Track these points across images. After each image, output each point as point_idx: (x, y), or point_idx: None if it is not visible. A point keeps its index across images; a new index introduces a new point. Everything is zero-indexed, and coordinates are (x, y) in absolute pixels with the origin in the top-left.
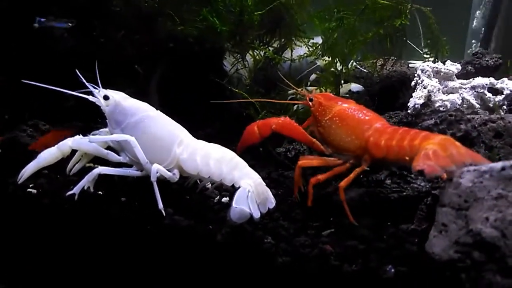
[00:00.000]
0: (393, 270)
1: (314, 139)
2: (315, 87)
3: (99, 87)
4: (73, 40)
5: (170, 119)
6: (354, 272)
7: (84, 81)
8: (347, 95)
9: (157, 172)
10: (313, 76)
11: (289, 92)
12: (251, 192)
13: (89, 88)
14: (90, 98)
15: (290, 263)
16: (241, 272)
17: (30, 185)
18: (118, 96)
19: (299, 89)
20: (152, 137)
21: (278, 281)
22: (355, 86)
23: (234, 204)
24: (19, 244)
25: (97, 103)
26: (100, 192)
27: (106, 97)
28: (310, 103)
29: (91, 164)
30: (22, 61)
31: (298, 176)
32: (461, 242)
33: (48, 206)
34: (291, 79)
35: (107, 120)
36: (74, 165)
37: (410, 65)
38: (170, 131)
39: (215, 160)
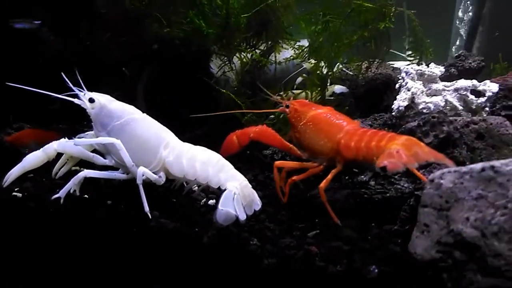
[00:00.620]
0: (376, 270)
1: (291, 145)
2: (300, 91)
3: (84, 89)
4: (59, 42)
5: (156, 121)
6: (339, 273)
7: (70, 84)
8: (332, 97)
9: (143, 175)
10: (299, 79)
11: (275, 97)
12: (237, 194)
13: (74, 91)
14: (76, 101)
15: (276, 264)
16: (227, 274)
17: (15, 189)
18: (103, 99)
19: (277, 96)
20: (138, 139)
21: (264, 283)
22: (338, 88)
23: (220, 206)
24: (5, 248)
25: (82, 105)
26: (86, 196)
27: (91, 100)
28: (287, 110)
29: (77, 168)
30: (8, 64)
31: (276, 176)
32: (443, 242)
33: (33, 209)
34: (277, 82)
35: (92, 123)
36: (60, 168)
37: (391, 66)
38: (156, 133)
39: (201, 163)
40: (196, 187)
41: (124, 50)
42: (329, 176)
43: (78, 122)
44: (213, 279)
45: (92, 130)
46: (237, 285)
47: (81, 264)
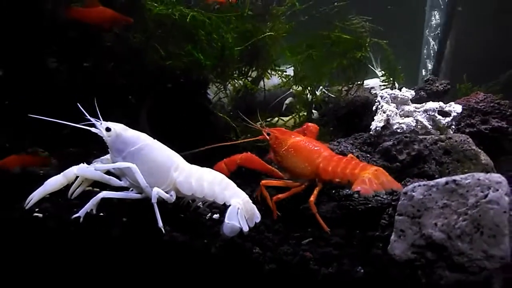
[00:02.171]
0: (362, 271)
1: (273, 168)
2: (288, 117)
3: (100, 119)
4: (67, 72)
5: (166, 146)
6: (330, 274)
7: (88, 115)
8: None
9: (157, 195)
10: (287, 101)
11: (256, 125)
12: (240, 209)
13: (91, 121)
14: (93, 130)
15: (276, 269)
16: (234, 279)
17: (36, 210)
18: (118, 128)
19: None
20: (151, 163)
21: (267, 285)
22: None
23: (226, 220)
24: (32, 265)
25: (99, 134)
26: (101, 214)
27: (108, 129)
28: (268, 137)
29: (90, 188)
30: (22, 92)
31: (265, 193)
32: (416, 244)
33: (53, 228)
34: (267, 104)
35: (109, 149)
36: (76, 189)
37: (367, 86)
38: (167, 157)
39: (207, 182)
40: (201, 204)
41: (130, 80)
42: (315, 192)
43: (88, 145)
44: (221, 285)
45: (102, 154)
46: None
47: (100, 273)
